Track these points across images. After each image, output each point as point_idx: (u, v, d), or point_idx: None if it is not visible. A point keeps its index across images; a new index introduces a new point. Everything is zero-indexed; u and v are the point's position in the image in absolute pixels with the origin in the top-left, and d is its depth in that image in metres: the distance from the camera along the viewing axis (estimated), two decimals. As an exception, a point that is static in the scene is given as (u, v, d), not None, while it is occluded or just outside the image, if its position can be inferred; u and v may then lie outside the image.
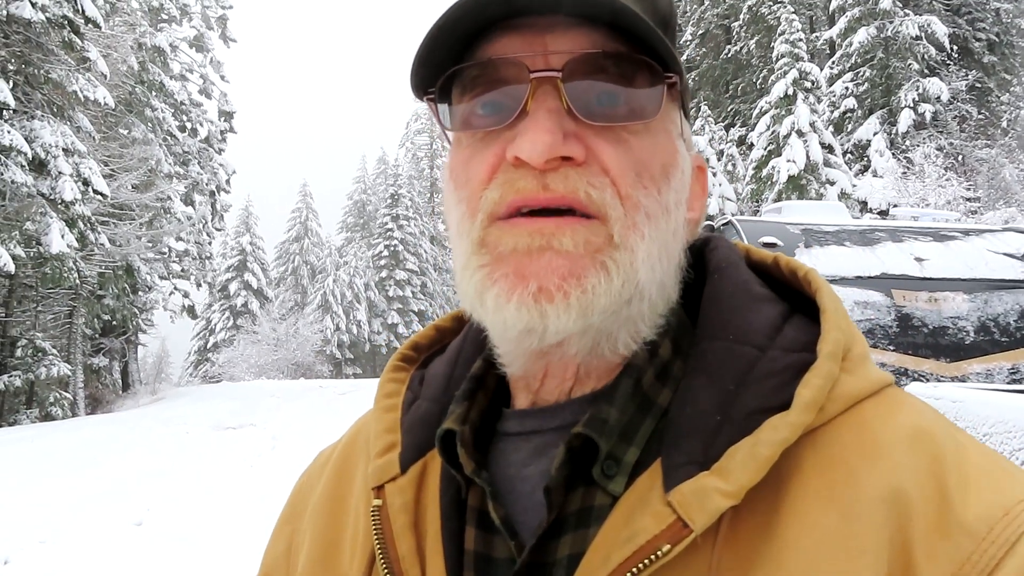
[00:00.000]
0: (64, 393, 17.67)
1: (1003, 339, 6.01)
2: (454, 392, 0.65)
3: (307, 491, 0.75)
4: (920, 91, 21.59)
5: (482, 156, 0.57)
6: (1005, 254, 6.57)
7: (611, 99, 0.56)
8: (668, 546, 0.49)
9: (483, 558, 0.58)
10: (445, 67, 0.57)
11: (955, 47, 23.35)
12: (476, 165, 0.57)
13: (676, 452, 0.53)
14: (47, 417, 16.54)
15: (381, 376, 0.73)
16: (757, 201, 22.30)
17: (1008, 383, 5.80)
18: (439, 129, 0.61)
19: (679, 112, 0.63)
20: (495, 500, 0.57)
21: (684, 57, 31.41)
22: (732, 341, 0.57)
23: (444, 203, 0.63)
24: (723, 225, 7.44)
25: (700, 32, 31.68)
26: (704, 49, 31.77)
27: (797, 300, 0.62)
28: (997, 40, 24.89)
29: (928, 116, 21.49)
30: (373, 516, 0.61)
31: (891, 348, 5.94)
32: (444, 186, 0.63)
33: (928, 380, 5.72)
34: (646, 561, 0.49)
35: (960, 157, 21.62)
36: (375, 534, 0.60)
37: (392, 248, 50.30)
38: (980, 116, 23.21)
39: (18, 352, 16.48)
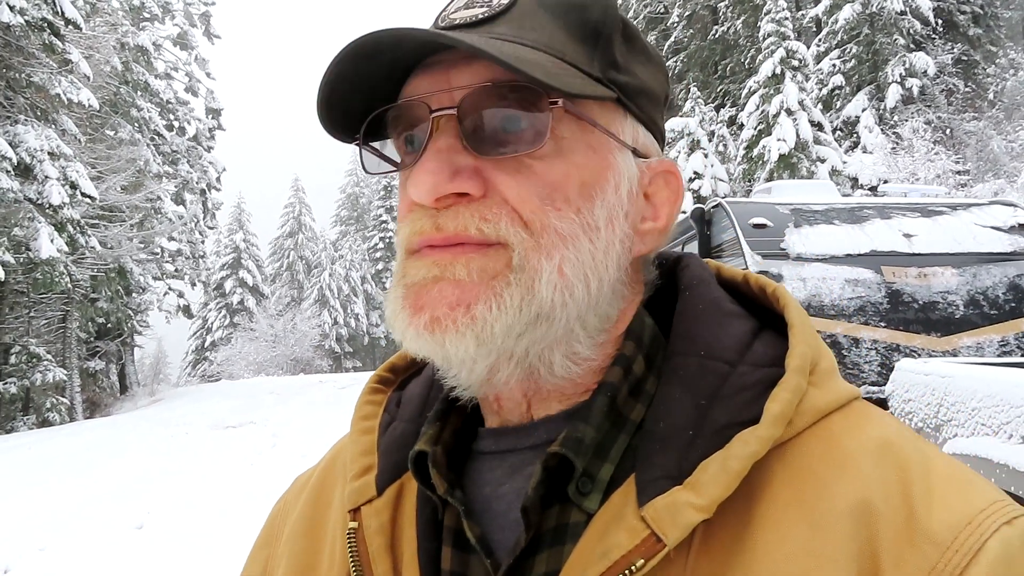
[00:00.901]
0: (61, 398, 17.66)
1: (992, 312, 6.03)
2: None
3: (284, 515, 0.75)
4: (907, 66, 21.55)
5: (403, 194, 0.60)
6: (992, 227, 6.58)
7: (505, 129, 0.56)
8: (642, 560, 0.50)
9: None
10: (361, 110, 0.60)
11: (940, 21, 23.27)
12: (401, 202, 0.61)
13: (649, 467, 0.53)
14: (44, 423, 16.52)
15: (358, 399, 0.73)
16: (749, 181, 22.30)
17: (998, 356, 5.83)
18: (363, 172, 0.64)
19: (628, 122, 0.61)
20: (470, 519, 0.57)
21: (672, 39, 31.32)
22: (704, 357, 0.58)
23: None
24: (713, 208, 7.43)
25: (687, 13, 31.53)
26: (691, 30, 31.64)
27: (766, 316, 0.63)
28: (982, 12, 24.83)
29: (915, 91, 21.47)
30: (349, 539, 0.62)
31: (882, 324, 5.96)
32: None
33: (919, 355, 5.75)
34: None
35: (948, 130, 21.62)
36: (351, 557, 0.61)
37: (387, 240, 50.24)
38: (967, 89, 23.18)
39: (12, 359, 16.44)
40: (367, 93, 0.59)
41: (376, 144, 0.63)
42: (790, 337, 0.58)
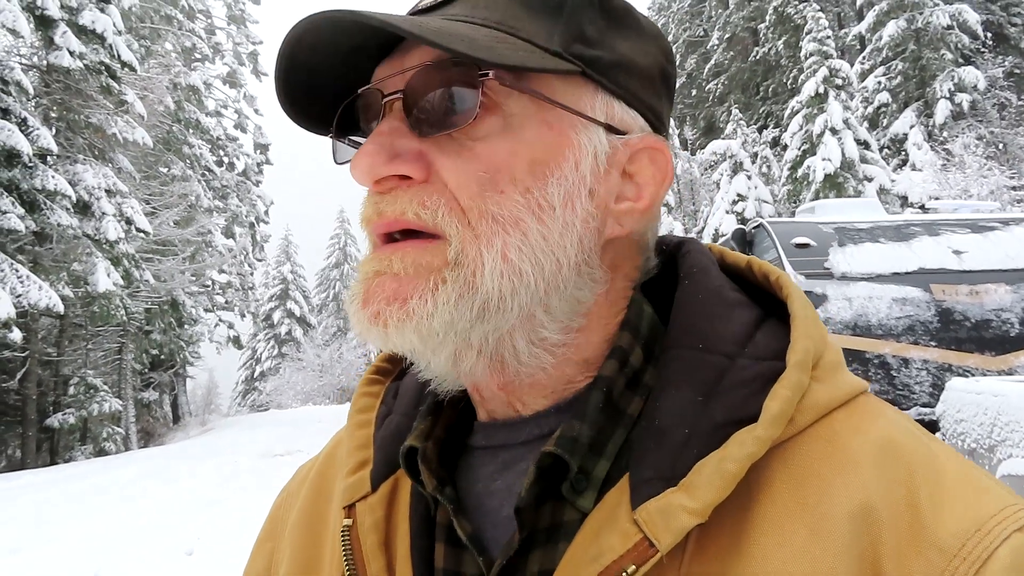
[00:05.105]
0: (116, 428, 18.12)
1: (1050, 330, 5.82)
2: None
3: (286, 508, 0.74)
4: (956, 81, 21.09)
5: None
6: (1048, 242, 6.37)
7: (442, 108, 0.54)
8: (633, 567, 0.48)
9: (453, 575, 0.57)
10: (329, 98, 0.61)
11: (989, 34, 22.80)
12: None
13: (643, 467, 0.51)
14: (101, 452, 16.95)
15: (356, 390, 0.72)
16: (794, 202, 21.96)
17: (1057, 375, 5.60)
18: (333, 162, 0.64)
19: (600, 97, 0.58)
20: (463, 516, 0.56)
21: (712, 62, 31.23)
22: (701, 350, 0.55)
23: None
24: (754, 228, 7.35)
25: (727, 36, 31.46)
26: (732, 53, 31.55)
27: (771, 304, 0.60)
28: (1034, 23, 24.24)
29: (966, 105, 20.97)
30: (343, 536, 0.61)
31: (933, 344, 5.79)
32: None
33: (973, 375, 5.56)
34: None
35: (1002, 145, 21.03)
36: (344, 555, 0.60)
37: (430, 269, 50.58)
38: (1020, 102, 22.56)
39: (71, 390, 16.95)
40: (342, 82, 0.60)
41: (358, 137, 0.63)
42: (792, 329, 0.55)
